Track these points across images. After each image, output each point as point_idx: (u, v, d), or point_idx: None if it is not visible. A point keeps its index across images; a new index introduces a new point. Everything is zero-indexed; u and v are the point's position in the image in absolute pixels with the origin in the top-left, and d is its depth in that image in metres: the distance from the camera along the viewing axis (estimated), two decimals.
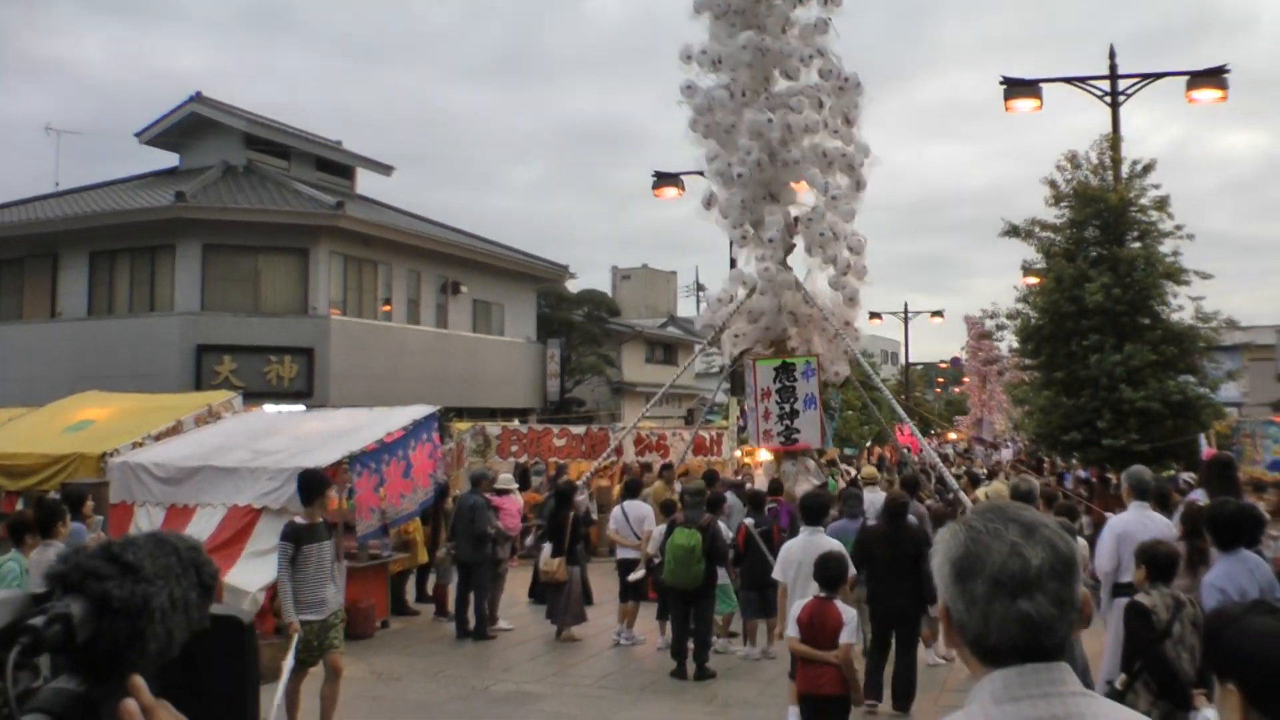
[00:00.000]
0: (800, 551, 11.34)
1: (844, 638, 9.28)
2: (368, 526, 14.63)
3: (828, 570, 9.69)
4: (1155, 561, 7.73)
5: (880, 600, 12.02)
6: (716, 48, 22.09)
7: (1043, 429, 26.23)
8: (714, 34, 22.39)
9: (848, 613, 9.46)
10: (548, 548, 16.68)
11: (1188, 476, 20.26)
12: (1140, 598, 7.50)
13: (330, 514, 11.88)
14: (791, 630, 9.63)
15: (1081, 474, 28.09)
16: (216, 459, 14.42)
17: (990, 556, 2.30)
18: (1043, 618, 2.27)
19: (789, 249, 22.69)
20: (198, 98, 37.15)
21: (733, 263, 28.37)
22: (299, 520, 11.04)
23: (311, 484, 11.22)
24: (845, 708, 9.48)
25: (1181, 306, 25.23)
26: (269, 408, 21.61)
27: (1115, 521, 10.27)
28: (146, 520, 14.15)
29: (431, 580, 19.51)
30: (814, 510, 12.08)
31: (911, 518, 13.76)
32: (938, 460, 24.91)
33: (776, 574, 11.75)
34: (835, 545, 11.14)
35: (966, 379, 78.31)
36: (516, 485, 19.70)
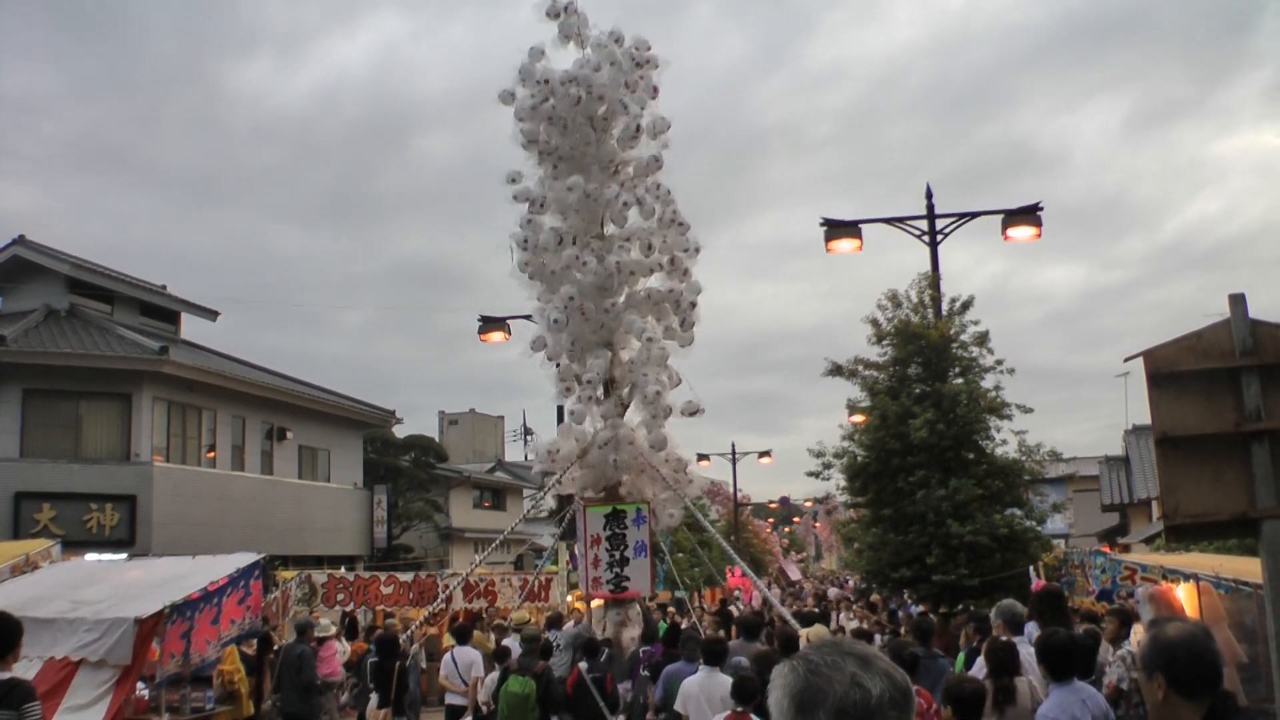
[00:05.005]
0: (698, 688, 12.19)
1: None
2: (164, 672, 14.19)
3: (744, 689, 10.58)
4: (961, 700, 7.73)
5: None
6: (541, 191, 21.65)
7: (873, 566, 26.36)
8: (542, 176, 21.99)
9: None
10: (374, 698, 16.38)
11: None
12: None
13: (149, 665, 11.48)
14: None
15: (913, 609, 28.25)
16: (33, 610, 13.85)
17: (832, 688, 2.33)
18: None
19: (627, 401, 21.90)
20: (20, 240, 36.67)
21: (560, 409, 28.13)
22: None
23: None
24: None
25: (1005, 440, 25.67)
26: (90, 557, 20.98)
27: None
28: None
29: None
30: (715, 653, 12.92)
31: (743, 660, 13.80)
32: (774, 600, 24.81)
33: (678, 707, 12.31)
34: (729, 680, 11.77)
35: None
36: (334, 629, 19.39)
